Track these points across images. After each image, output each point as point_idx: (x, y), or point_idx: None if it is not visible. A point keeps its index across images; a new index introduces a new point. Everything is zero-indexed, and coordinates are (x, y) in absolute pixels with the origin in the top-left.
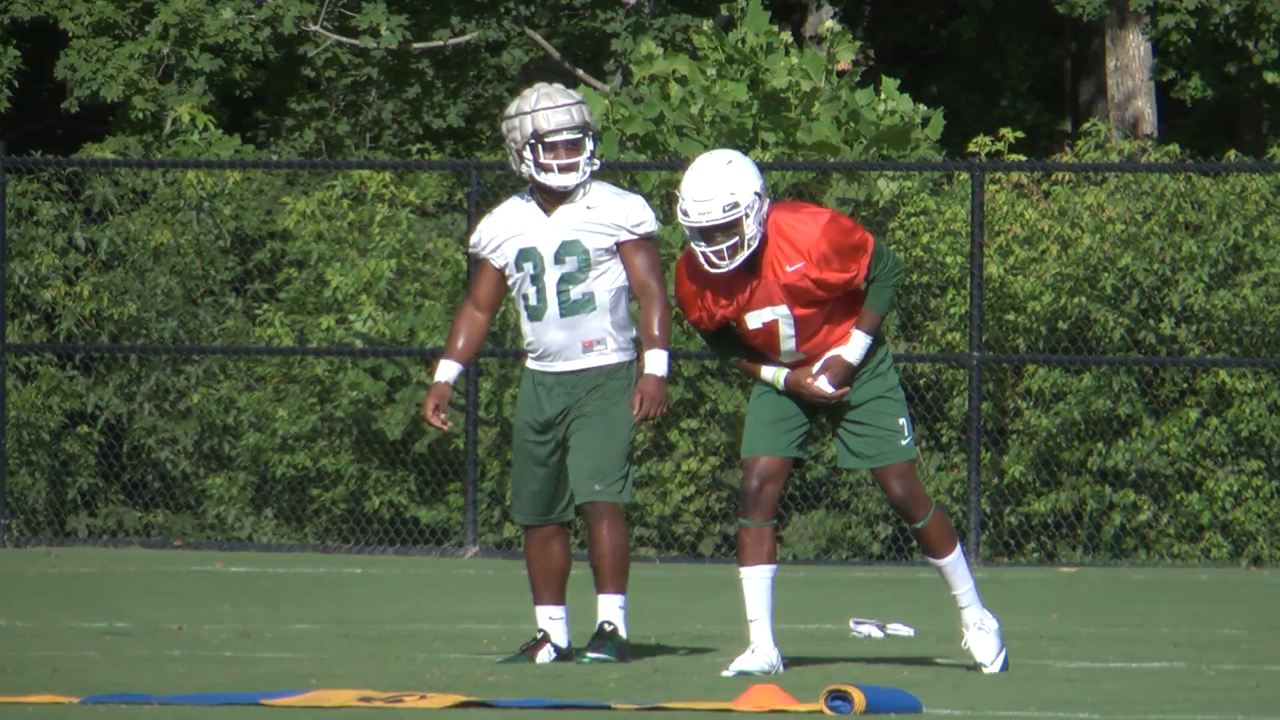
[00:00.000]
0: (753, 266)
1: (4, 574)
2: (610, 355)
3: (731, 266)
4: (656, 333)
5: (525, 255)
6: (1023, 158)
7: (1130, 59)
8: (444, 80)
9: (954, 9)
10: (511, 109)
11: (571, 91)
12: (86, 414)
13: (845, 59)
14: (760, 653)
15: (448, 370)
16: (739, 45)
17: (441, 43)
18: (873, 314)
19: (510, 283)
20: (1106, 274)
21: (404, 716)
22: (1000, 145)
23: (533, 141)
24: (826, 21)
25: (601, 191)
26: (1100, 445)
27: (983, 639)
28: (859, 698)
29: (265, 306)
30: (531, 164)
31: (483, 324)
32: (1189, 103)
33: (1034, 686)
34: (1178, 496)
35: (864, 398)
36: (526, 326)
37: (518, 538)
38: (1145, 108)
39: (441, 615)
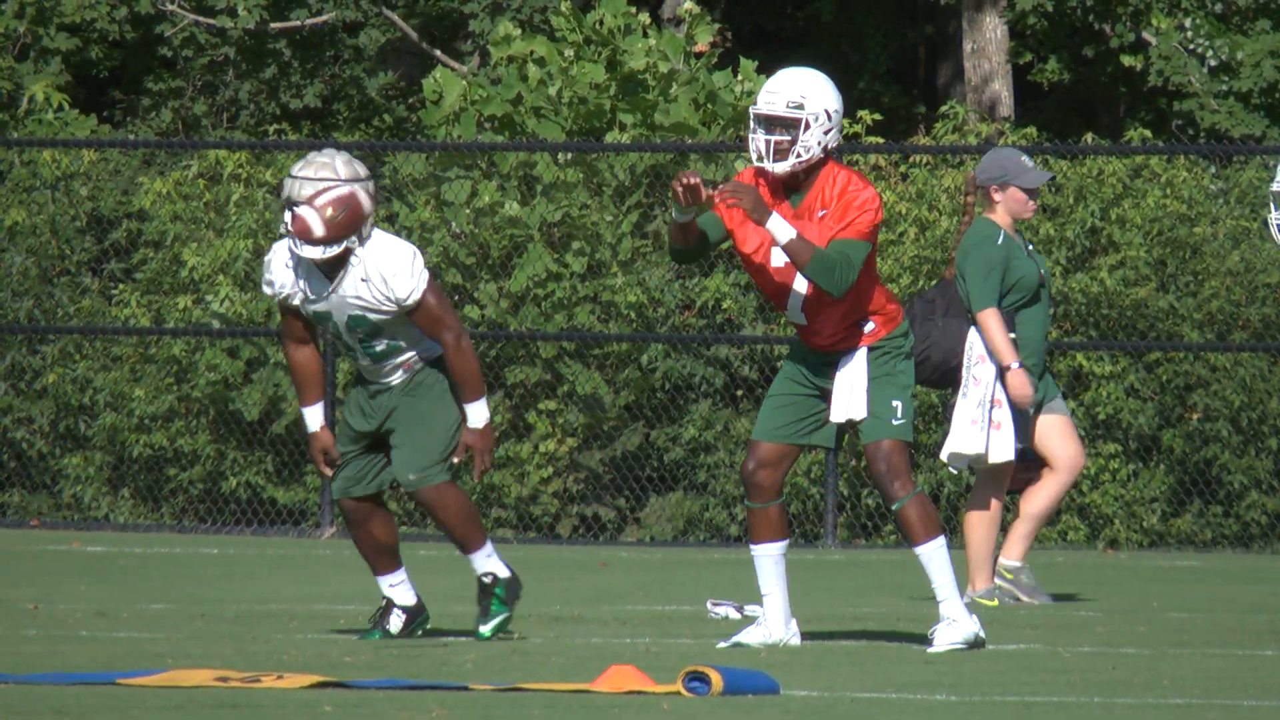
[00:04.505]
0: (796, 201)
1: None
2: (420, 363)
3: (774, 167)
4: (466, 383)
5: (321, 317)
6: (880, 140)
7: (987, 42)
8: (301, 60)
9: None
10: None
11: (345, 166)
12: None
13: (703, 40)
14: (769, 625)
15: (317, 416)
16: (597, 26)
17: (299, 23)
18: (808, 251)
19: None
20: None
21: (260, 696)
22: (858, 128)
23: (286, 205)
24: (685, 3)
25: (372, 260)
26: None
27: (951, 633)
28: (716, 679)
29: (121, 287)
30: (285, 227)
31: (311, 355)
32: (1046, 86)
33: (892, 668)
34: None
35: (870, 375)
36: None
37: None
38: (1002, 90)
39: (298, 596)
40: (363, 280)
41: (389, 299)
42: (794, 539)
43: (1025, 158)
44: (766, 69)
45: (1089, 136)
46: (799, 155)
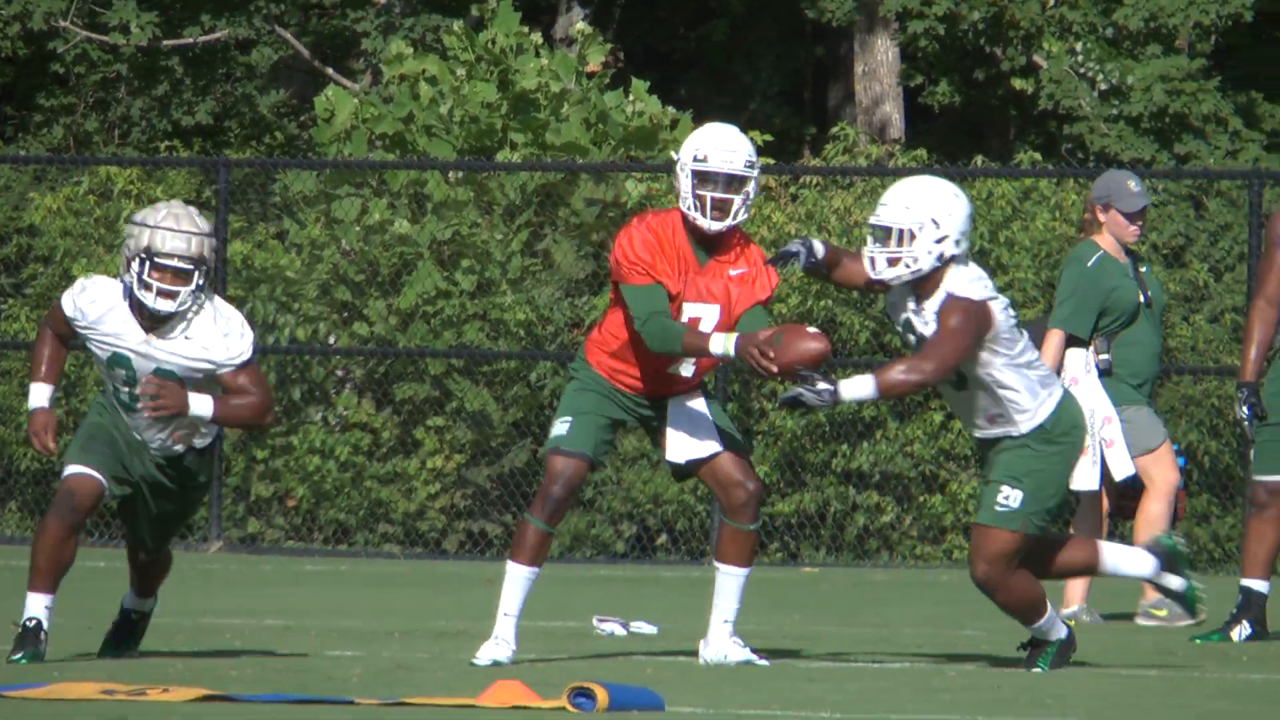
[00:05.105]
0: (705, 258)
1: None
2: (197, 439)
3: (715, 226)
4: (229, 405)
5: (118, 360)
6: (771, 161)
7: (878, 64)
8: (193, 78)
9: (704, 13)
10: (138, 216)
11: (203, 221)
12: None
13: (595, 61)
14: (504, 645)
15: (45, 394)
16: (489, 46)
17: (191, 40)
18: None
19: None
20: None
21: (146, 710)
22: None
23: (143, 256)
24: (577, 24)
25: (204, 323)
26: (845, 447)
27: (738, 648)
28: (602, 695)
29: (10, 301)
30: (135, 278)
31: (61, 346)
32: (937, 108)
33: (776, 685)
34: (920, 498)
35: (714, 407)
36: (119, 408)
37: (262, 533)
38: (893, 113)
39: (185, 609)
40: (187, 338)
41: (216, 361)
42: (680, 556)
43: (1132, 181)
44: (658, 89)
45: (979, 159)
46: (737, 217)
